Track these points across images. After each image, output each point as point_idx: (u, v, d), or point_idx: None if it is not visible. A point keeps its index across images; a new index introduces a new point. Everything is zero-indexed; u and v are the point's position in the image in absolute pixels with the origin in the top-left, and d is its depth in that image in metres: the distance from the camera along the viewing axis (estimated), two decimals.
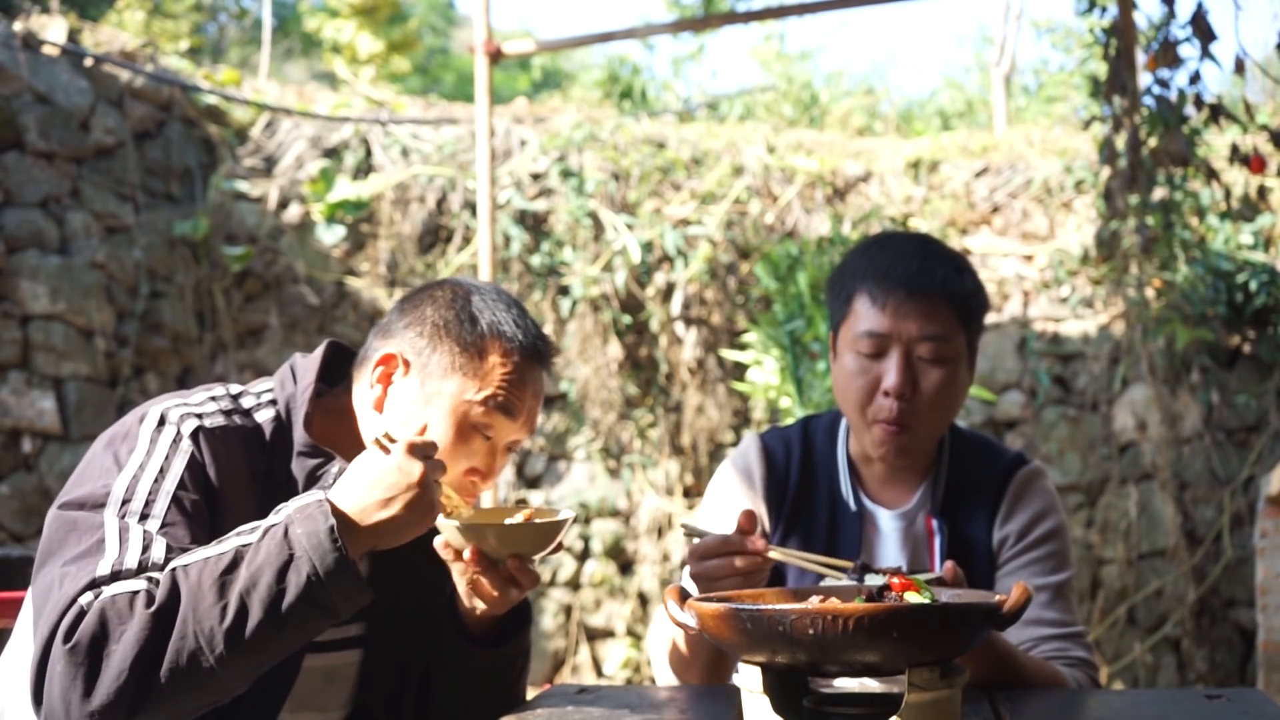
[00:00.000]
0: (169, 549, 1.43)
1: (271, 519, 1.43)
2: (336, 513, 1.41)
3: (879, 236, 2.12)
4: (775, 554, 1.74)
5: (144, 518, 1.46)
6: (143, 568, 1.41)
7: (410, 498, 1.42)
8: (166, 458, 1.51)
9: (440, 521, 1.53)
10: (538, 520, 1.57)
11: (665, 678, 2.04)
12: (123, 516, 1.45)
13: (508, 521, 1.56)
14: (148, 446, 1.52)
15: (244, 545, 1.40)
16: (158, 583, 1.38)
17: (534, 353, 1.68)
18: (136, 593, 1.37)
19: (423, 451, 1.44)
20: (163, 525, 1.46)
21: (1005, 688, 1.77)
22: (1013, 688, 1.77)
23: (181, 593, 1.37)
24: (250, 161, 6.00)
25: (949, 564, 1.68)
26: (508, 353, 1.64)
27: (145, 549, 1.42)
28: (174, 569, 1.39)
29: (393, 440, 1.45)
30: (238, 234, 5.85)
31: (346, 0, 9.53)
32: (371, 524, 1.42)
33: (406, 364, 1.65)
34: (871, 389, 1.97)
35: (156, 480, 1.49)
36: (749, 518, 1.71)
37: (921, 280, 1.96)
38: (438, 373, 1.63)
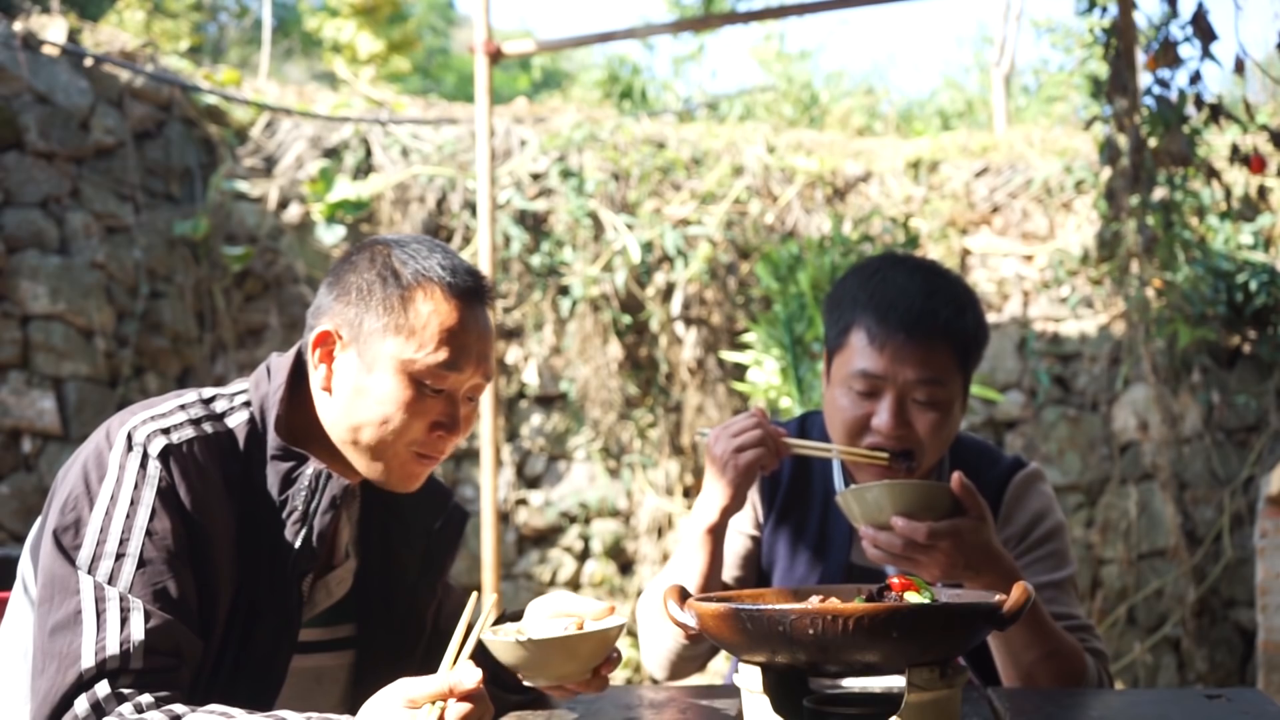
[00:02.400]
0: (147, 616, 1.43)
1: None
2: None
3: (881, 262, 2.04)
4: (793, 442, 1.94)
5: (119, 558, 1.45)
6: (125, 657, 1.40)
7: None
8: (136, 487, 1.49)
9: (499, 644, 1.47)
10: (593, 628, 1.50)
11: (650, 640, 2.05)
12: (96, 572, 1.45)
13: (567, 631, 1.49)
14: (117, 474, 1.50)
15: None
16: None
17: (466, 292, 1.59)
18: None
19: None
20: (139, 564, 1.45)
21: (1019, 670, 1.84)
22: (1031, 668, 1.83)
23: None
24: (250, 161, 6.00)
25: (956, 475, 1.71)
26: (438, 299, 1.57)
27: (124, 622, 1.42)
28: None
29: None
30: (238, 234, 5.85)
31: (346, 0, 9.53)
32: None
33: (341, 337, 1.59)
34: (862, 424, 1.95)
35: (129, 516, 1.48)
36: (759, 411, 1.96)
37: (923, 324, 1.91)
38: (372, 337, 1.56)
